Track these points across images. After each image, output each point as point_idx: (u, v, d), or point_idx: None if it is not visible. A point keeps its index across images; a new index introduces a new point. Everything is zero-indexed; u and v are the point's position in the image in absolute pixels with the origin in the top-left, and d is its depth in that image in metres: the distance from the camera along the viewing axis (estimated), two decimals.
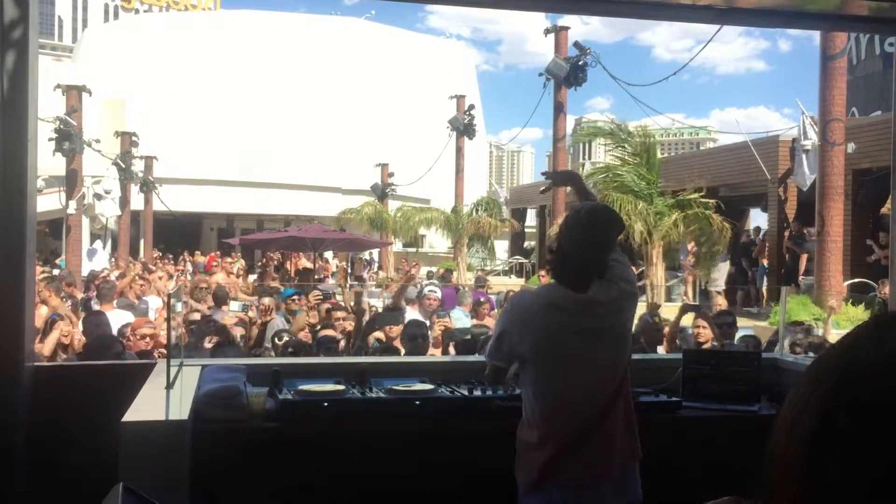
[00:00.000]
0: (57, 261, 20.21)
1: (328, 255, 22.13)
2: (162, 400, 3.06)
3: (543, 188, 3.99)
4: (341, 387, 3.51)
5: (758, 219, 21.15)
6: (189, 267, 22.57)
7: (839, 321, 10.82)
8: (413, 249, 30.11)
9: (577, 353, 2.85)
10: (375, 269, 21.75)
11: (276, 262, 20.33)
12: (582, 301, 2.87)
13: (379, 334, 6.28)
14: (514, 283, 22.73)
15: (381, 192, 30.19)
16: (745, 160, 18.48)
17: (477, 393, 3.53)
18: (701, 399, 3.81)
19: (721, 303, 12.20)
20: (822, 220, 12.25)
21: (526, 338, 2.89)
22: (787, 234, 16.68)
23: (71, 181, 20.52)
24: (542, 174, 4.14)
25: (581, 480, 2.81)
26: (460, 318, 8.56)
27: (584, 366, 2.86)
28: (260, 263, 19.03)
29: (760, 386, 3.90)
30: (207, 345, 5.80)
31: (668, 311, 11.09)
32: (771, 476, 0.80)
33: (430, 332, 6.17)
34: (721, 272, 15.35)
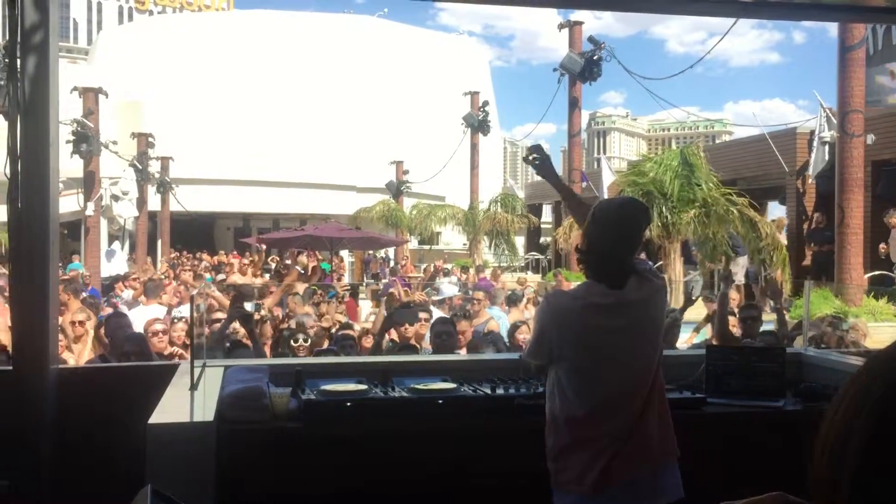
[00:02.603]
0: (70, 262, 20.32)
1: (343, 253, 22.15)
2: (186, 401, 3.08)
3: (527, 160, 3.59)
4: (364, 386, 3.51)
5: (776, 212, 21.01)
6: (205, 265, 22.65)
7: (860, 314, 10.73)
8: (428, 247, 30.14)
9: (617, 351, 2.85)
10: (400, 265, 21.75)
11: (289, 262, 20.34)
12: (620, 297, 2.86)
13: (394, 335, 6.28)
14: (532, 279, 22.67)
15: (396, 189, 30.21)
16: (762, 153, 18.34)
17: (500, 392, 3.52)
18: (725, 395, 3.78)
19: (735, 297, 12.12)
20: (841, 212, 12.13)
21: (566, 339, 2.87)
22: (805, 226, 16.55)
23: (89, 183, 20.66)
24: (529, 150, 3.73)
25: (622, 480, 2.79)
26: (500, 318, 8.55)
27: (623, 363, 2.85)
28: (277, 263, 19.04)
29: (785, 381, 3.87)
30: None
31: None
32: (819, 475, 0.79)
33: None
34: (739, 266, 15.25)
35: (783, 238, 14.24)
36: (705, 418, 3.55)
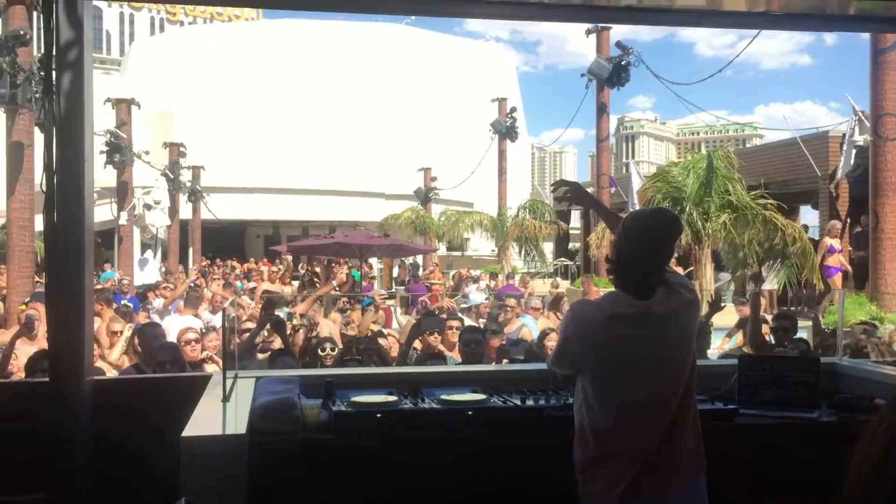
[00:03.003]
0: (101, 272, 20.62)
1: (372, 260, 22.23)
2: (219, 413, 3.11)
3: (559, 196, 3.76)
4: (394, 398, 3.52)
5: (808, 216, 20.76)
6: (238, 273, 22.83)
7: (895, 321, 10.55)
8: (458, 253, 30.15)
9: (642, 363, 2.81)
10: (428, 270, 21.79)
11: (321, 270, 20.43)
12: (644, 308, 2.83)
13: (417, 343, 6.27)
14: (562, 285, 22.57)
15: (424, 196, 30.28)
16: (794, 157, 18.14)
17: (529, 402, 3.51)
18: (758, 406, 3.73)
19: (762, 302, 11.98)
20: (875, 216, 11.95)
21: (589, 350, 2.86)
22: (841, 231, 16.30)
23: (122, 193, 20.98)
24: (555, 185, 3.89)
25: (649, 493, 2.76)
26: (531, 326, 8.55)
27: (650, 376, 2.82)
28: (306, 270, 19.15)
29: (819, 392, 3.82)
30: (260, 355, 5.87)
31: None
32: (857, 485, 0.78)
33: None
34: (771, 270, 15.06)
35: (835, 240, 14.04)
36: (738, 430, 3.51)
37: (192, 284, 12.16)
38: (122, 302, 11.47)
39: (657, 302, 2.85)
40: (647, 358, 2.82)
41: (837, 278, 13.80)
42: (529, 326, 8.38)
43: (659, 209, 3.20)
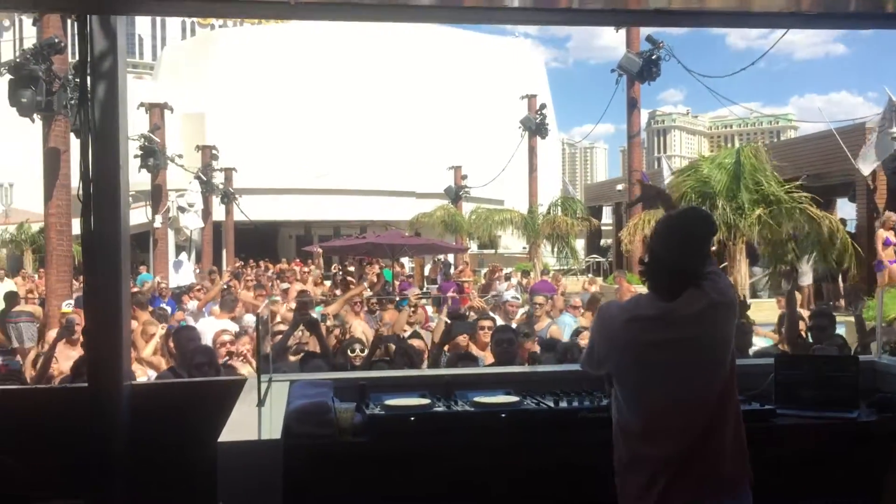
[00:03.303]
0: (137, 275, 20.92)
1: (404, 259, 22.30)
2: (254, 418, 3.13)
3: (632, 203, 3.84)
4: (427, 400, 3.52)
5: (845, 209, 20.40)
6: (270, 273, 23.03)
7: None
8: (489, 251, 30.10)
9: (662, 366, 2.76)
10: (458, 268, 21.81)
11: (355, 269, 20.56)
12: (667, 311, 2.78)
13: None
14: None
15: (455, 194, 30.27)
16: (829, 149, 17.85)
17: (563, 404, 3.50)
18: (795, 406, 3.67)
19: (798, 297, 11.78)
20: None
21: (611, 353, 2.85)
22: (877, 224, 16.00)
23: (156, 196, 21.26)
24: (631, 204, 4.05)
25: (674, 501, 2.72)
26: (569, 325, 8.50)
27: (673, 380, 2.76)
28: (337, 271, 19.26)
29: (859, 391, 3.75)
30: (293, 357, 5.91)
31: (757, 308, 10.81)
32: None
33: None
34: (808, 265, 14.81)
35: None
36: (775, 430, 3.46)
37: (226, 286, 12.26)
38: (161, 305, 11.64)
39: (684, 304, 2.78)
40: (667, 361, 2.75)
41: (889, 271, 13.46)
42: (569, 325, 8.32)
43: (690, 209, 3.15)
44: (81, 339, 6.02)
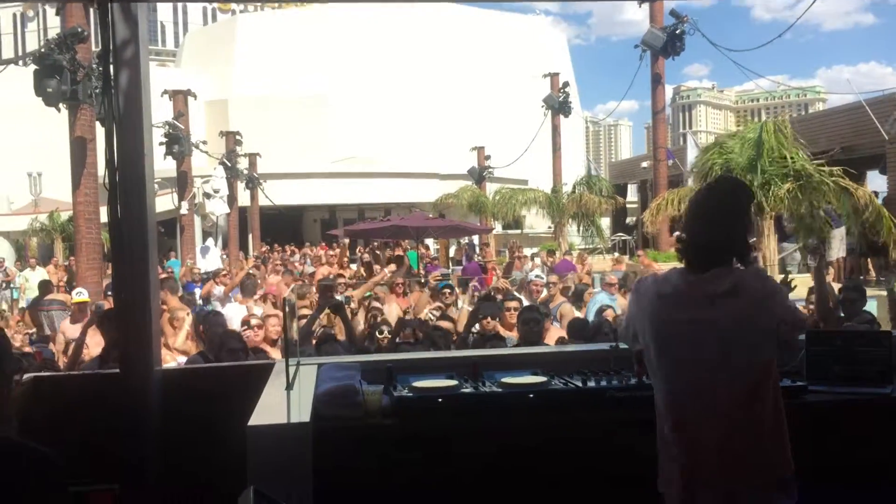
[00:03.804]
0: (166, 261, 21.11)
1: (428, 241, 22.29)
2: (283, 401, 3.15)
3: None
4: (454, 382, 3.53)
5: (876, 181, 20.08)
6: (297, 258, 23.16)
7: None
8: (516, 231, 30.02)
9: (682, 346, 2.65)
10: (483, 249, 21.78)
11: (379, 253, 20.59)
12: (696, 284, 2.67)
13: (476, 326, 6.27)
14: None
15: (479, 175, 30.20)
16: (859, 120, 17.57)
17: (591, 384, 3.48)
18: (827, 382, 3.63)
19: (831, 272, 11.62)
20: None
21: (644, 324, 2.79)
22: None
23: (182, 182, 21.41)
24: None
25: (708, 495, 2.63)
26: (604, 301, 8.45)
27: (691, 361, 2.65)
28: (363, 253, 19.29)
29: (892, 367, 3.70)
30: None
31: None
32: None
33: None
34: (836, 239, 14.62)
35: None
36: (807, 407, 3.42)
37: (249, 272, 12.37)
38: (195, 290, 11.76)
39: (707, 282, 2.65)
40: (685, 341, 2.64)
41: None
42: (605, 303, 8.27)
43: (721, 178, 3.05)
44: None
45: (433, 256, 21.04)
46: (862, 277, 14.42)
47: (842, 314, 6.32)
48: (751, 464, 2.60)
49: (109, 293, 9.27)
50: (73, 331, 8.14)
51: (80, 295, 9.34)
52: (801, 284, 9.88)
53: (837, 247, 14.69)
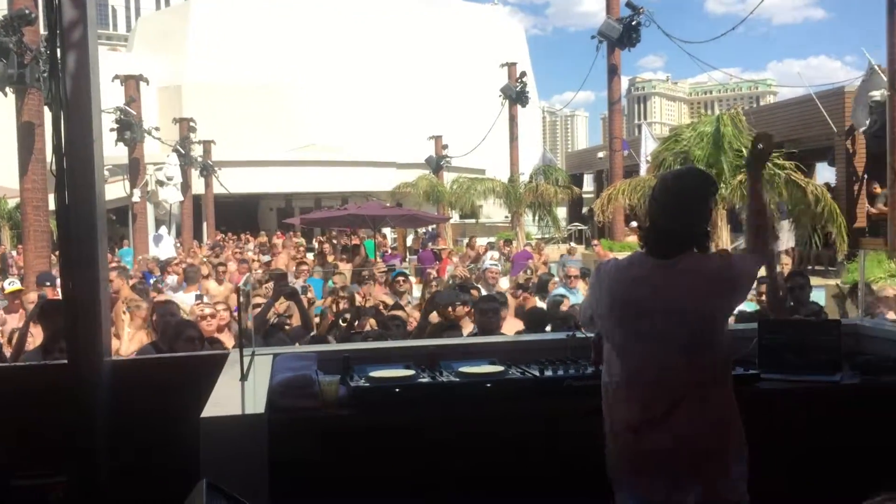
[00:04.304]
0: (118, 249, 20.71)
1: (386, 230, 22.22)
2: (237, 392, 3.09)
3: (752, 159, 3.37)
4: (411, 372, 3.51)
5: (824, 173, 20.51)
6: (251, 246, 22.90)
7: None
8: (471, 221, 30.07)
9: (648, 325, 2.72)
10: (440, 238, 21.80)
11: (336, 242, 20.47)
12: (661, 270, 2.74)
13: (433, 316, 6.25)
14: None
15: (436, 164, 30.17)
16: (809, 113, 17.91)
17: (548, 373, 3.49)
18: (780, 370, 3.69)
19: (787, 262, 11.85)
20: (894, 172, 11.80)
21: (604, 307, 2.85)
22: (857, 188, 16.14)
23: (134, 170, 21.01)
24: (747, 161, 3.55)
25: (653, 472, 2.69)
26: (562, 292, 8.44)
27: (655, 341, 2.71)
28: (322, 243, 19.16)
29: (842, 354, 3.78)
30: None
31: None
32: None
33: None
34: (784, 230, 14.89)
35: None
36: (760, 395, 3.47)
37: (204, 260, 12.23)
38: (153, 280, 11.59)
39: (679, 266, 2.74)
40: (654, 322, 2.71)
41: None
42: (561, 293, 8.26)
43: (684, 169, 3.10)
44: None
45: (392, 246, 21.00)
46: (810, 268, 14.74)
47: (791, 304, 6.44)
48: (715, 440, 2.69)
49: (48, 283, 9.10)
50: (11, 321, 7.97)
51: (13, 284, 9.16)
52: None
53: (786, 238, 14.98)
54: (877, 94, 13.82)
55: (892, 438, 3.38)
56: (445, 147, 30.45)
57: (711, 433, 2.69)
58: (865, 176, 16.41)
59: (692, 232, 2.79)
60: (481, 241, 19.22)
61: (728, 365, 2.83)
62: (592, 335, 3.34)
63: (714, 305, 2.76)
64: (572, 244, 22.12)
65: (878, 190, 15.40)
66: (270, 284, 8.81)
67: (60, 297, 4.18)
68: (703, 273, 2.74)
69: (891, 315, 5.98)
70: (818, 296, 8.11)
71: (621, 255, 2.99)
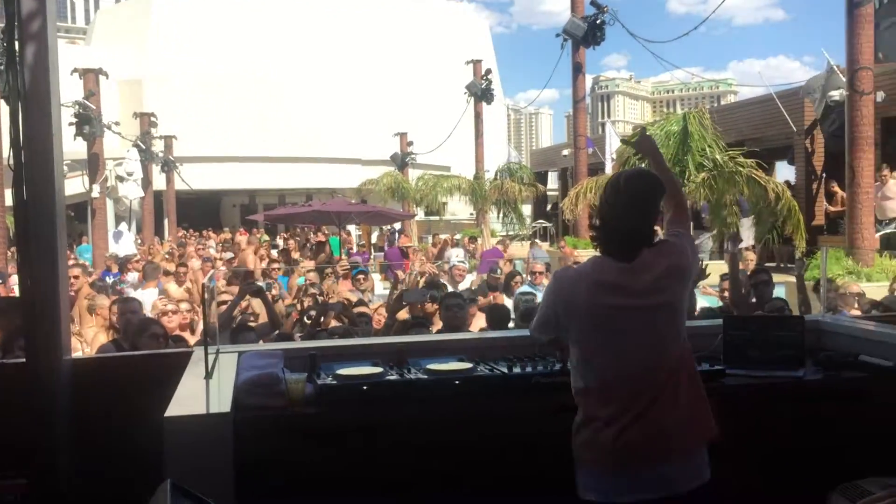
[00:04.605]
0: (77, 246, 20.36)
1: (350, 227, 22.12)
2: (202, 391, 3.04)
3: (626, 142, 3.74)
4: (379, 369, 3.48)
5: (784, 172, 20.86)
6: (212, 243, 22.66)
7: (872, 274, 10.66)
8: (436, 218, 30.06)
9: (622, 328, 2.76)
10: (405, 235, 21.71)
11: (301, 239, 20.31)
12: (626, 273, 2.79)
13: (404, 314, 6.23)
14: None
15: (401, 161, 30.10)
16: (768, 113, 18.18)
17: (516, 370, 3.48)
18: (744, 366, 3.73)
19: (752, 258, 12.02)
20: (852, 171, 12.01)
21: (572, 316, 2.84)
22: (815, 186, 16.44)
23: (93, 165, 20.62)
24: (623, 142, 4.39)
25: (639, 460, 2.72)
26: (526, 289, 8.44)
27: (630, 342, 2.76)
28: (287, 240, 19.00)
29: (805, 350, 3.83)
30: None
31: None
32: None
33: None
34: (744, 227, 15.11)
35: None
36: (725, 390, 3.50)
37: (166, 256, 12.06)
38: (110, 279, 11.41)
39: (643, 268, 2.80)
40: (627, 327, 2.76)
41: None
42: (527, 290, 8.27)
43: (638, 170, 3.14)
44: None
45: (359, 244, 20.90)
46: (774, 264, 14.97)
47: (753, 300, 6.53)
48: (691, 425, 2.76)
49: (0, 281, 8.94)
50: None
51: None
52: (714, 272, 10.18)
53: (746, 235, 15.21)
54: (836, 94, 14.07)
55: (853, 433, 3.44)
56: (411, 144, 30.40)
57: (684, 416, 2.76)
58: (824, 175, 16.70)
59: (645, 232, 2.86)
60: (444, 236, 19.23)
61: (687, 341, 2.89)
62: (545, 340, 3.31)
63: (678, 295, 2.86)
64: (537, 241, 22.24)
65: (836, 189, 15.71)
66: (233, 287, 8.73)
67: (16, 293, 4.09)
68: (664, 267, 2.82)
69: (852, 311, 6.09)
70: (780, 292, 8.23)
71: (586, 253, 3.00)
